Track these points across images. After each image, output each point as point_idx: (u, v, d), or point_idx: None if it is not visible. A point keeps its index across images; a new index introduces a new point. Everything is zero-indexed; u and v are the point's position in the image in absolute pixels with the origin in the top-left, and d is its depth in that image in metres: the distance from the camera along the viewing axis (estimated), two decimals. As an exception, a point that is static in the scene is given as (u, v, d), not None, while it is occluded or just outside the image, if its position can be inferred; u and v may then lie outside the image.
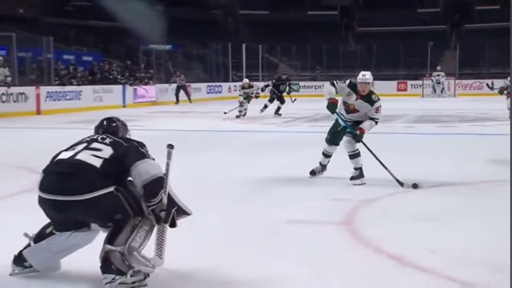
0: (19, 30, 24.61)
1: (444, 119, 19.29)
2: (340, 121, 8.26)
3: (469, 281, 4.26)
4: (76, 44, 32.30)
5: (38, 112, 21.49)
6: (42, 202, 4.17)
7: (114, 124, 4.70)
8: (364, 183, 7.96)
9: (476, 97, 32.31)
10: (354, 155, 8.16)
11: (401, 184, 7.59)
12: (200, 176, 8.79)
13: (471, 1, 46.52)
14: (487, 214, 6.17)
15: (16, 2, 34.78)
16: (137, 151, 4.35)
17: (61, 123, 18.12)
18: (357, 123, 8.17)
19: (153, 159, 4.34)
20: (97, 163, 4.19)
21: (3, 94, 20.38)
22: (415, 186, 7.54)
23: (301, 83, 36.23)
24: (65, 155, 4.31)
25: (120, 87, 26.93)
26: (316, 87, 36.13)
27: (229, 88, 34.78)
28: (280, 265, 4.82)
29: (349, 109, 8.21)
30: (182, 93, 29.47)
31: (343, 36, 44.15)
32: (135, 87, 27.98)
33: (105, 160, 4.23)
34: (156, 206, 4.24)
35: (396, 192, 7.54)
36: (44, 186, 4.16)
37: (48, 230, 4.29)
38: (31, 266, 4.30)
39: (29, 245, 4.30)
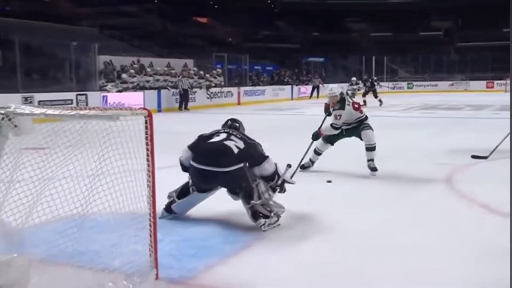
0: (228, 52, 25.42)
1: (522, 108, 17.72)
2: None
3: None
4: (262, 59, 32.88)
5: (239, 103, 22.08)
6: (195, 171, 4.25)
7: (236, 123, 4.67)
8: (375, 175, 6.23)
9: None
10: (370, 148, 6.34)
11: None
12: (343, 147, 8.70)
13: (546, 21, 42.27)
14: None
15: (228, 34, 36.08)
16: (260, 152, 4.38)
17: (252, 110, 18.55)
18: (353, 127, 6.44)
19: (268, 156, 4.37)
20: (235, 150, 4.22)
21: (219, 92, 21.16)
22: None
23: (414, 83, 34.85)
24: (215, 139, 4.33)
25: (289, 86, 27.08)
26: (425, 85, 34.58)
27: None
28: (390, 209, 4.73)
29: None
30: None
31: (445, 50, 41.61)
32: (299, 86, 28.04)
33: (239, 149, 4.24)
34: (273, 184, 4.32)
35: (483, 161, 7.10)
36: (199, 160, 4.24)
37: (188, 189, 4.37)
38: (175, 213, 4.43)
39: (174, 200, 4.40)
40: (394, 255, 3.55)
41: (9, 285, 2.78)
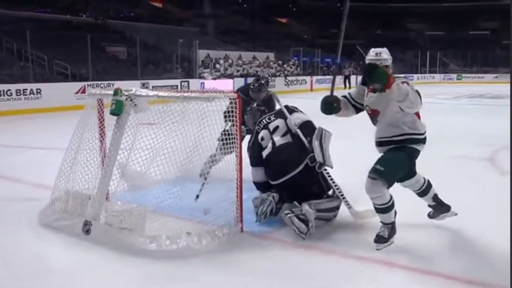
0: (304, 47, 25.04)
1: None
2: None
3: None
4: (332, 53, 31.97)
5: (311, 89, 21.58)
6: (279, 188, 3.35)
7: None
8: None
9: None
10: (423, 192, 3.18)
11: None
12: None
13: None
14: None
15: (303, 32, 35.61)
16: (290, 107, 3.59)
17: (323, 95, 18.07)
18: (385, 141, 2.96)
19: (303, 113, 3.63)
20: (288, 138, 3.40)
21: (294, 80, 20.92)
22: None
23: (463, 75, 32.67)
24: (268, 150, 3.41)
25: (354, 76, 25.95)
26: (473, 77, 32.11)
27: (418, 78, 32.19)
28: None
29: (371, 116, 3.09)
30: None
31: (492, 47, 38.41)
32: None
33: (287, 130, 3.44)
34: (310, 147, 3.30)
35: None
36: (271, 176, 3.41)
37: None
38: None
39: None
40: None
41: (130, 228, 2.94)
